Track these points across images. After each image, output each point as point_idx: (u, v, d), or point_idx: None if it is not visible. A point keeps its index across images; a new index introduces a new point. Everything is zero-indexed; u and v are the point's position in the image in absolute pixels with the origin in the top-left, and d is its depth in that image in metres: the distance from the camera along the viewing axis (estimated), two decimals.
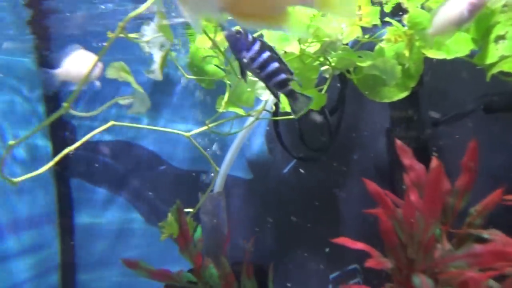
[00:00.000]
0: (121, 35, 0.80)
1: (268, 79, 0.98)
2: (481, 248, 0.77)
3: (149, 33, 0.84)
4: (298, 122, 1.69)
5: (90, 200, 1.83)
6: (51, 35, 1.71)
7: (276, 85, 0.99)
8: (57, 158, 0.91)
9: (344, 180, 1.87)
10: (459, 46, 1.15)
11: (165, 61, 0.91)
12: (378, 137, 1.78)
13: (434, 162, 0.85)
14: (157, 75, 0.93)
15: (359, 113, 1.83)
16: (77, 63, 1.02)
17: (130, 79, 0.91)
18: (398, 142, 1.07)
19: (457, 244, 0.89)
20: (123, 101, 0.98)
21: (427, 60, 1.54)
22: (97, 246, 1.80)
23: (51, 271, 1.73)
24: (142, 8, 0.73)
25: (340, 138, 1.77)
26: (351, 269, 1.79)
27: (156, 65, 0.92)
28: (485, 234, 0.87)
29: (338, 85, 1.67)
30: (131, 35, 0.78)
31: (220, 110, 1.15)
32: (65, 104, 0.80)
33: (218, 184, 1.60)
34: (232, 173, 1.88)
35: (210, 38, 1.02)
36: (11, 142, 0.78)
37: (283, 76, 0.98)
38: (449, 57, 1.16)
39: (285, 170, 1.89)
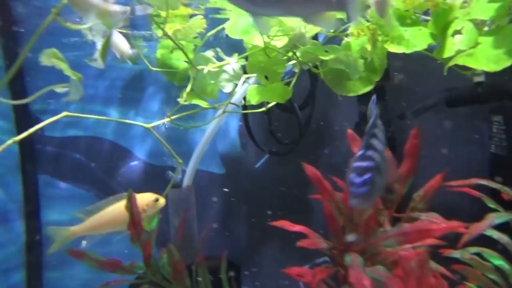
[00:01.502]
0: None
1: None
2: (409, 227, 0.81)
3: (90, 19, 0.82)
4: (267, 117, 1.70)
5: (58, 196, 1.80)
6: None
7: None
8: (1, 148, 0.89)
9: None
10: (418, 41, 1.17)
11: (106, 49, 0.89)
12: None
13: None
14: (99, 64, 0.92)
15: (329, 108, 1.85)
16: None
17: (63, 66, 0.89)
18: (349, 131, 1.09)
19: None
20: (59, 90, 0.96)
21: (395, 56, 1.58)
22: (66, 244, 1.77)
23: (16, 268, 1.69)
24: None
25: (311, 134, 1.79)
26: (322, 261, 1.81)
27: (97, 53, 0.91)
28: (423, 216, 0.90)
29: None
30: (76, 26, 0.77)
31: (182, 101, 1.14)
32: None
33: (187, 178, 1.59)
34: (204, 168, 1.88)
35: (160, 28, 1.01)
36: None
37: None
38: (408, 51, 1.19)
39: (258, 165, 1.89)
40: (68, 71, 0.90)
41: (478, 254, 0.95)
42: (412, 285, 0.66)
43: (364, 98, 1.64)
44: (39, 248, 1.72)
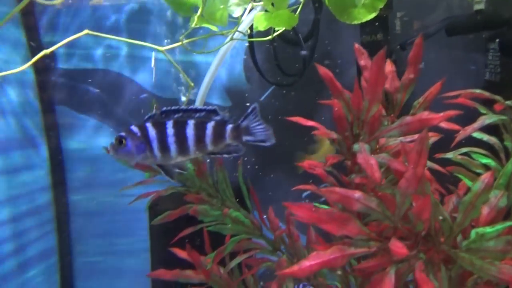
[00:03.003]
0: None
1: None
2: (410, 118, 0.91)
3: None
4: (273, 47, 1.75)
5: (76, 126, 1.91)
6: None
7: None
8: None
9: (318, 106, 1.98)
10: None
11: None
12: (351, 64, 1.86)
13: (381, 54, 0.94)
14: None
15: (333, 41, 1.89)
16: None
17: None
18: (356, 44, 1.16)
19: None
20: None
21: None
22: (86, 169, 1.91)
23: (43, 190, 1.85)
24: None
25: (314, 65, 1.85)
26: (325, 185, 1.97)
27: None
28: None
29: None
30: None
31: (192, 25, 1.20)
32: None
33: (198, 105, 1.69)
34: (211, 101, 1.97)
35: None
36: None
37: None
38: None
39: (262, 98, 1.98)
40: None
41: (467, 155, 1.07)
42: (412, 158, 0.75)
43: (366, 29, 1.69)
44: (62, 172, 1.86)
